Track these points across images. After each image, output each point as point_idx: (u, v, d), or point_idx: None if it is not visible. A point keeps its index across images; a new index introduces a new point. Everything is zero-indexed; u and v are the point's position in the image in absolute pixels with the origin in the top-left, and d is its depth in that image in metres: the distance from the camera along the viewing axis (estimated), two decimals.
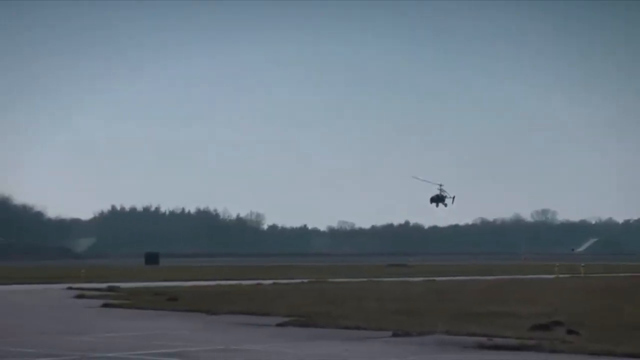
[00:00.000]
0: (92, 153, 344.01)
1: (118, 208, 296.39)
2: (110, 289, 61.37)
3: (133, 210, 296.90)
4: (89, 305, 47.77)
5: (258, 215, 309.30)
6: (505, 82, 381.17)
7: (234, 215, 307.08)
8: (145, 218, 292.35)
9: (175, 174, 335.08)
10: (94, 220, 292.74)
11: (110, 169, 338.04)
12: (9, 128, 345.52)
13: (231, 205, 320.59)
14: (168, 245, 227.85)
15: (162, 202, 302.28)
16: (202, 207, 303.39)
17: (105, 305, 47.28)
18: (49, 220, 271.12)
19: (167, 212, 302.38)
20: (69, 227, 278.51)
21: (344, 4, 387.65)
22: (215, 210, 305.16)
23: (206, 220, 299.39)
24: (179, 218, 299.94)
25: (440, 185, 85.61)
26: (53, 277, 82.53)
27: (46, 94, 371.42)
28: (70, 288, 63.66)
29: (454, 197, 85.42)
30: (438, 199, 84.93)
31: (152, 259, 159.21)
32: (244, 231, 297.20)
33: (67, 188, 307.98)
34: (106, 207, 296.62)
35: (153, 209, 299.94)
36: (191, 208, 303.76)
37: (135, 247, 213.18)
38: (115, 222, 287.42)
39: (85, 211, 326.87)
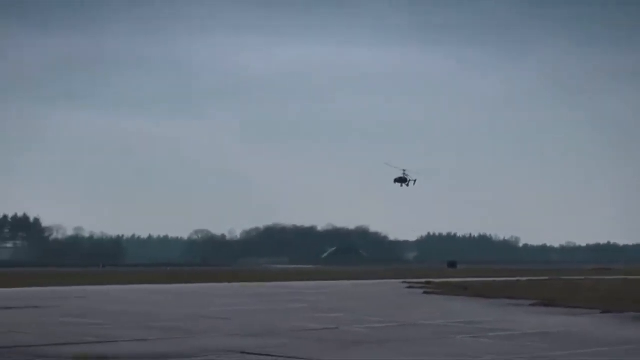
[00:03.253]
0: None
1: (432, 233, 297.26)
2: (427, 282, 61.31)
3: (440, 234, 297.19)
4: (415, 293, 47.85)
5: (516, 238, 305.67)
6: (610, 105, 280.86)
7: (501, 237, 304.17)
8: (448, 239, 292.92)
9: (466, 208, 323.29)
10: (416, 241, 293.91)
11: (425, 203, 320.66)
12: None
13: (499, 230, 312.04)
14: (461, 256, 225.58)
15: (457, 230, 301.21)
16: (481, 232, 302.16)
17: (425, 293, 47.33)
18: (390, 242, 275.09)
19: (461, 235, 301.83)
20: (402, 245, 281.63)
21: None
22: (490, 234, 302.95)
23: (484, 241, 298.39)
24: (468, 239, 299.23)
25: (405, 170, 76.29)
26: (391, 276, 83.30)
27: None
28: (403, 282, 64.01)
29: (415, 180, 75.20)
30: (401, 180, 75.33)
31: (452, 264, 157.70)
32: (508, 248, 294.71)
33: (398, 217, 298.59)
34: (424, 233, 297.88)
35: (452, 234, 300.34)
36: (475, 233, 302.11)
37: (441, 257, 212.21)
38: (430, 241, 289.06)
39: (412, 235, 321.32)
